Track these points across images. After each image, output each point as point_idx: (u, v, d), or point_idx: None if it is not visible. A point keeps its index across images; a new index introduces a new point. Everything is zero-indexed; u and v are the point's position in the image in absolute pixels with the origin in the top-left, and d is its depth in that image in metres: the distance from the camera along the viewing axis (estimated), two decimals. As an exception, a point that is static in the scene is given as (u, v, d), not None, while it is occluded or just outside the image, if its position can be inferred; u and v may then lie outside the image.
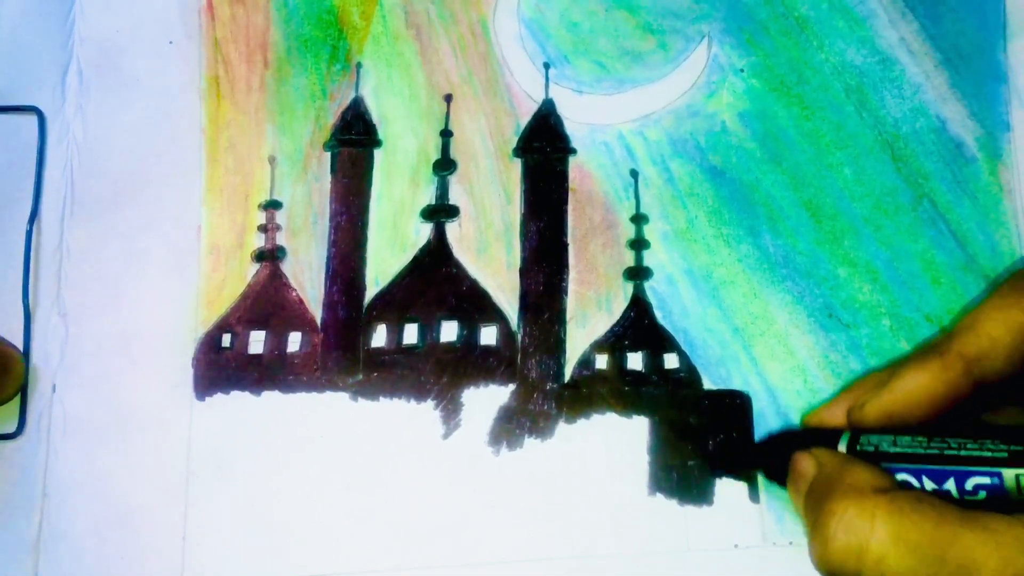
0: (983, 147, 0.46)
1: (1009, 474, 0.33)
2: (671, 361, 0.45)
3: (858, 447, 0.36)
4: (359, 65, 0.48)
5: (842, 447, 0.37)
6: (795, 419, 0.44)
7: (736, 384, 0.44)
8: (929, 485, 0.34)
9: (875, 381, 0.38)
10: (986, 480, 0.33)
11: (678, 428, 0.44)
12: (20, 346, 0.45)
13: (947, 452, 0.34)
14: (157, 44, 0.49)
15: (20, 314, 0.45)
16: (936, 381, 0.36)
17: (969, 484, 0.34)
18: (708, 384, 0.44)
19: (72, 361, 0.45)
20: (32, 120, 0.47)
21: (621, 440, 0.44)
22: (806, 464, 0.37)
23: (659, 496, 0.43)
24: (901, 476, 0.35)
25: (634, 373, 0.45)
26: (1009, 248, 0.45)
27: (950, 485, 0.34)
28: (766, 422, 0.44)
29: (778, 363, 0.44)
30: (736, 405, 0.44)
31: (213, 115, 0.48)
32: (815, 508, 0.35)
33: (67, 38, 0.48)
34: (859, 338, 0.44)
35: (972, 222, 0.45)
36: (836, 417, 0.39)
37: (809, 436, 0.39)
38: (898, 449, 0.35)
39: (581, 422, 0.44)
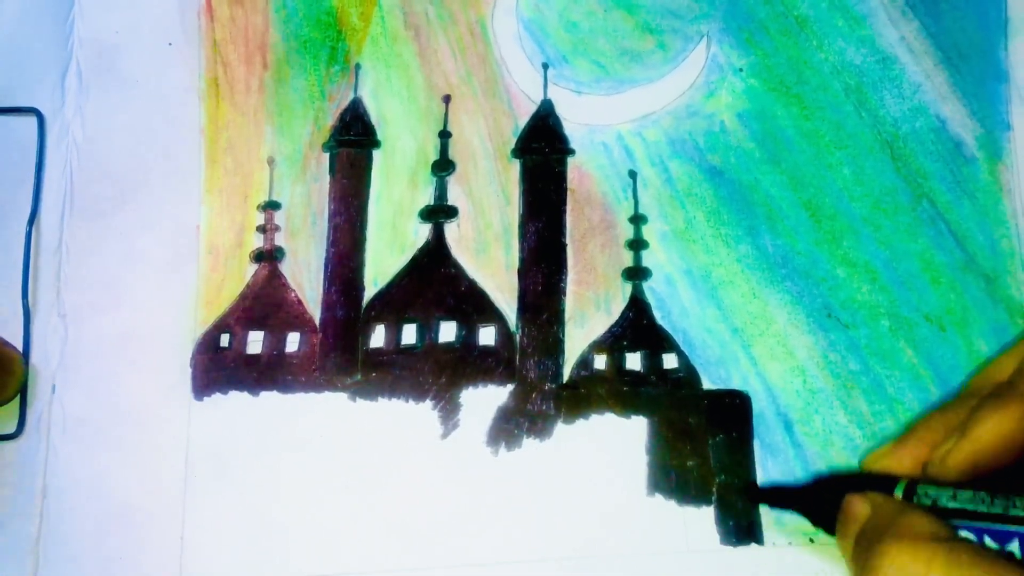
0: (983, 146, 0.46)
1: None
2: (670, 361, 0.45)
3: (915, 498, 0.34)
4: (358, 66, 0.48)
5: (897, 496, 0.35)
6: (794, 419, 0.44)
7: (735, 384, 0.44)
8: (991, 545, 0.33)
9: (943, 424, 0.36)
10: None
11: (677, 428, 0.44)
12: (20, 347, 0.45)
13: (1012, 512, 0.32)
14: (156, 45, 0.49)
15: (20, 314, 0.45)
16: (1020, 426, 0.33)
17: None
18: (707, 384, 0.44)
19: (71, 361, 0.45)
20: (31, 121, 0.47)
21: (620, 440, 0.44)
22: (859, 507, 0.35)
23: (658, 496, 0.43)
24: (960, 533, 0.33)
25: (633, 373, 0.45)
26: (1009, 248, 0.45)
27: (1014, 546, 0.32)
28: (765, 422, 0.44)
29: (777, 363, 0.44)
30: (735, 405, 0.44)
31: (212, 116, 0.48)
32: (865, 552, 0.33)
33: (66, 39, 0.49)
34: (858, 338, 0.44)
35: (972, 222, 0.45)
36: (902, 462, 0.36)
37: (861, 482, 0.37)
38: (958, 504, 0.33)
39: (580, 422, 0.44)
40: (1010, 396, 0.34)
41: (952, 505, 0.34)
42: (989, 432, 0.34)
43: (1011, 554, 0.33)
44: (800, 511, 0.40)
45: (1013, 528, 0.33)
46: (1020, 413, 0.34)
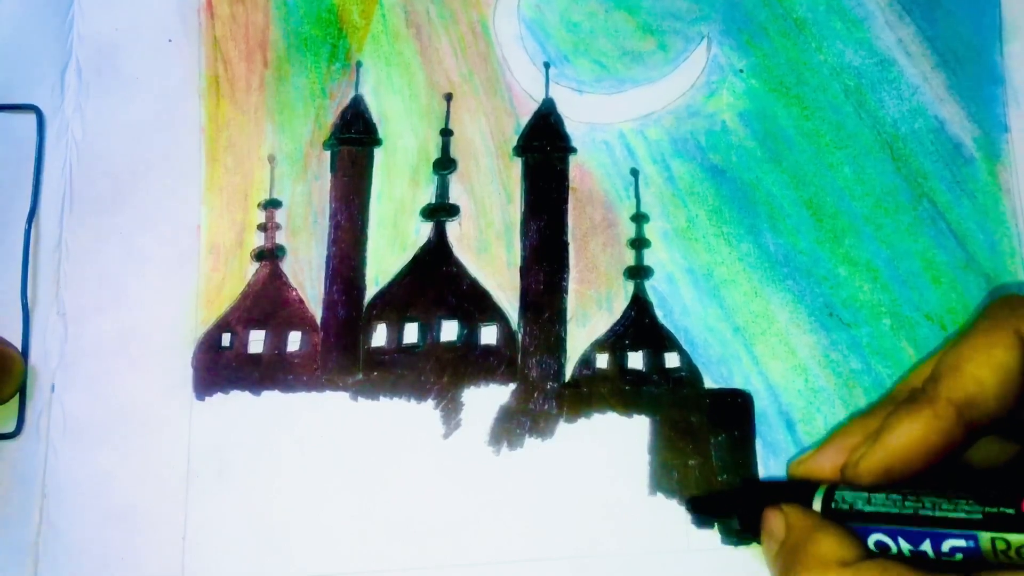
0: (981, 148, 0.47)
1: (985, 537, 0.32)
2: (672, 360, 0.45)
3: (833, 504, 0.35)
4: (359, 64, 0.48)
5: (817, 503, 0.36)
6: (796, 418, 0.44)
7: (737, 383, 0.44)
8: (905, 546, 0.34)
9: (863, 430, 0.37)
10: (962, 543, 0.33)
11: (679, 427, 0.44)
12: (19, 346, 0.45)
13: (922, 512, 0.33)
14: (156, 43, 0.48)
15: (19, 313, 0.45)
16: (930, 431, 0.34)
17: (945, 546, 0.33)
18: (709, 383, 0.44)
19: (71, 361, 0.45)
20: (31, 119, 0.47)
21: (622, 440, 0.44)
22: (776, 524, 0.36)
23: (659, 496, 0.43)
24: (876, 536, 0.34)
25: (635, 372, 0.45)
26: (1009, 247, 0.45)
27: (926, 546, 0.33)
28: (767, 421, 0.44)
29: (779, 362, 0.44)
30: (737, 404, 0.44)
31: (212, 114, 0.48)
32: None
33: (66, 36, 0.48)
34: (860, 337, 0.44)
35: (971, 221, 0.46)
36: (823, 468, 0.37)
37: (784, 489, 0.38)
38: (872, 508, 0.34)
39: (582, 421, 0.44)
40: (921, 403, 0.35)
41: (867, 509, 0.35)
42: (899, 438, 0.35)
43: (924, 554, 0.33)
44: (733, 517, 0.40)
45: (925, 529, 0.33)
46: (929, 419, 0.34)
